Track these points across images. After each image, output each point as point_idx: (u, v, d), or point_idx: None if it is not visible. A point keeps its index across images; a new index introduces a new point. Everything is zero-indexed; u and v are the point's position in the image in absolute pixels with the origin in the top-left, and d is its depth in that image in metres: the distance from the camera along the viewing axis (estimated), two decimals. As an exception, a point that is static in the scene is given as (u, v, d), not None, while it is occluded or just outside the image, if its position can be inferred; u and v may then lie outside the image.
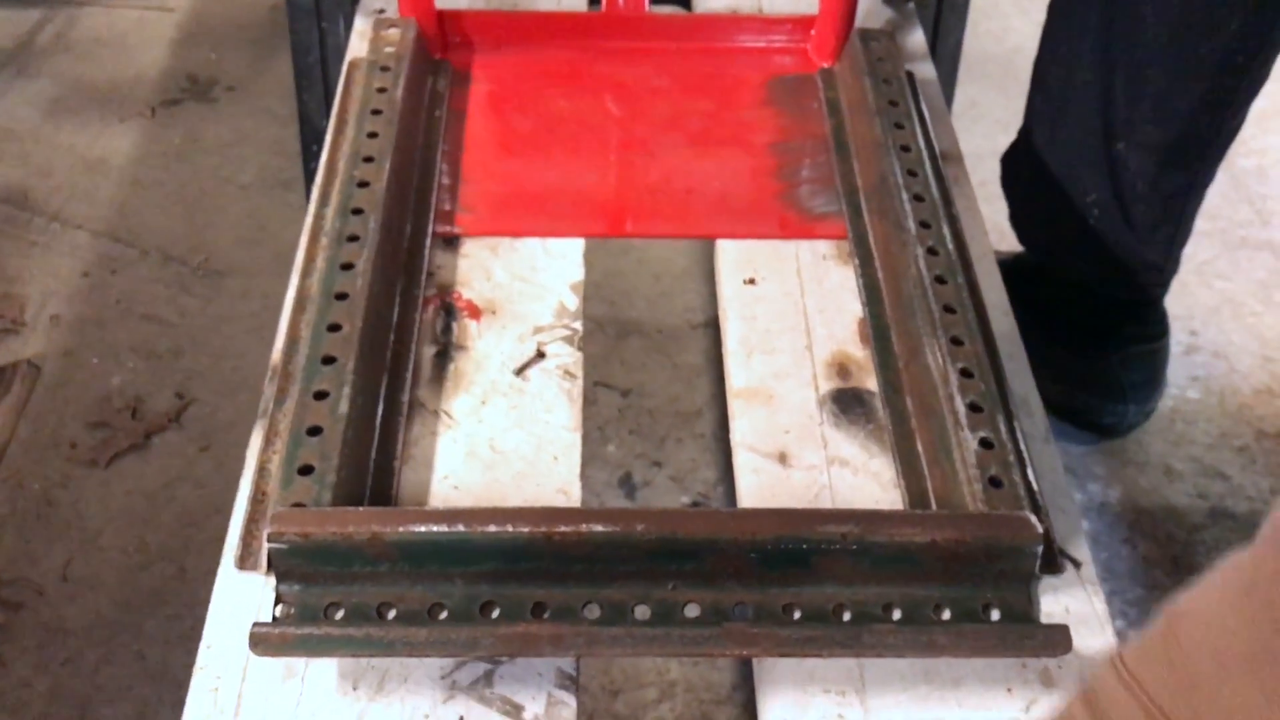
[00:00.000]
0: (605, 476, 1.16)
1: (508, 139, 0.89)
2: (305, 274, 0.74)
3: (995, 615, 0.57)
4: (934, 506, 0.63)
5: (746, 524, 0.57)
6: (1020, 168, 1.16)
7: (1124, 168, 1.04)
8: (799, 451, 0.68)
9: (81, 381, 1.22)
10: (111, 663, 1.00)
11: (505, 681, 0.57)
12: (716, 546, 0.56)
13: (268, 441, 0.65)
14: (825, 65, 0.95)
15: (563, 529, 0.56)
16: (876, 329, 0.74)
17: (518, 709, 0.56)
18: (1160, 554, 1.14)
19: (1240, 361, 1.31)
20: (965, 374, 0.66)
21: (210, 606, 0.59)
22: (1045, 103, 1.07)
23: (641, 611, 0.57)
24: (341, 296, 0.69)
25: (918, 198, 0.77)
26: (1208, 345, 1.33)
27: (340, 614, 0.56)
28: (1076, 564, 0.62)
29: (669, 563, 0.56)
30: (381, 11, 0.97)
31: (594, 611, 0.56)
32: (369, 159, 0.78)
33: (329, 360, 0.65)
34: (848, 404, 0.71)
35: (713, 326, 1.29)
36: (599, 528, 0.56)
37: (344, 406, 0.63)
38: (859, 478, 0.67)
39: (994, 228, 0.93)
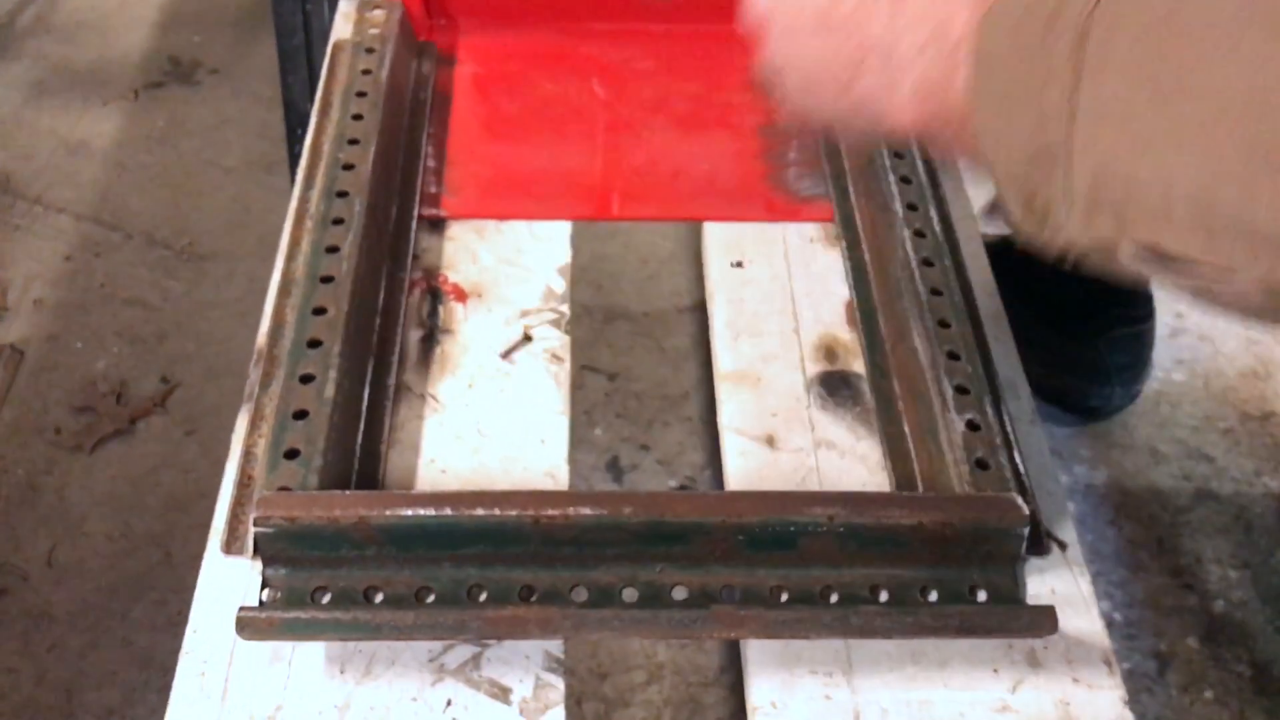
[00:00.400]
0: (593, 460, 1.16)
1: (493, 121, 0.89)
2: (290, 257, 0.73)
3: (982, 596, 0.58)
4: (921, 489, 0.63)
5: (734, 506, 0.57)
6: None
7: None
8: (786, 434, 0.68)
9: (65, 366, 1.22)
10: (97, 648, 1.00)
11: (493, 664, 0.57)
12: (704, 529, 0.56)
13: (253, 426, 0.64)
14: (812, 47, 0.95)
15: (550, 512, 0.56)
16: (864, 311, 0.74)
17: (505, 692, 0.56)
18: (1145, 535, 1.15)
19: (1225, 344, 1.32)
20: (952, 356, 0.66)
21: (196, 591, 0.59)
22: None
23: (629, 594, 0.57)
24: (327, 280, 0.68)
25: (905, 180, 0.77)
26: (1193, 328, 1.33)
27: (327, 598, 0.56)
28: (1062, 545, 0.62)
29: (656, 545, 0.56)
30: (366, -7, 0.96)
31: (581, 594, 0.56)
32: (354, 141, 0.77)
33: (314, 344, 0.65)
34: (835, 387, 0.71)
35: (700, 310, 1.29)
36: (586, 511, 0.56)
37: (330, 390, 0.62)
38: (846, 460, 0.67)
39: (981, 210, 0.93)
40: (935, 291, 0.70)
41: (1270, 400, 1.26)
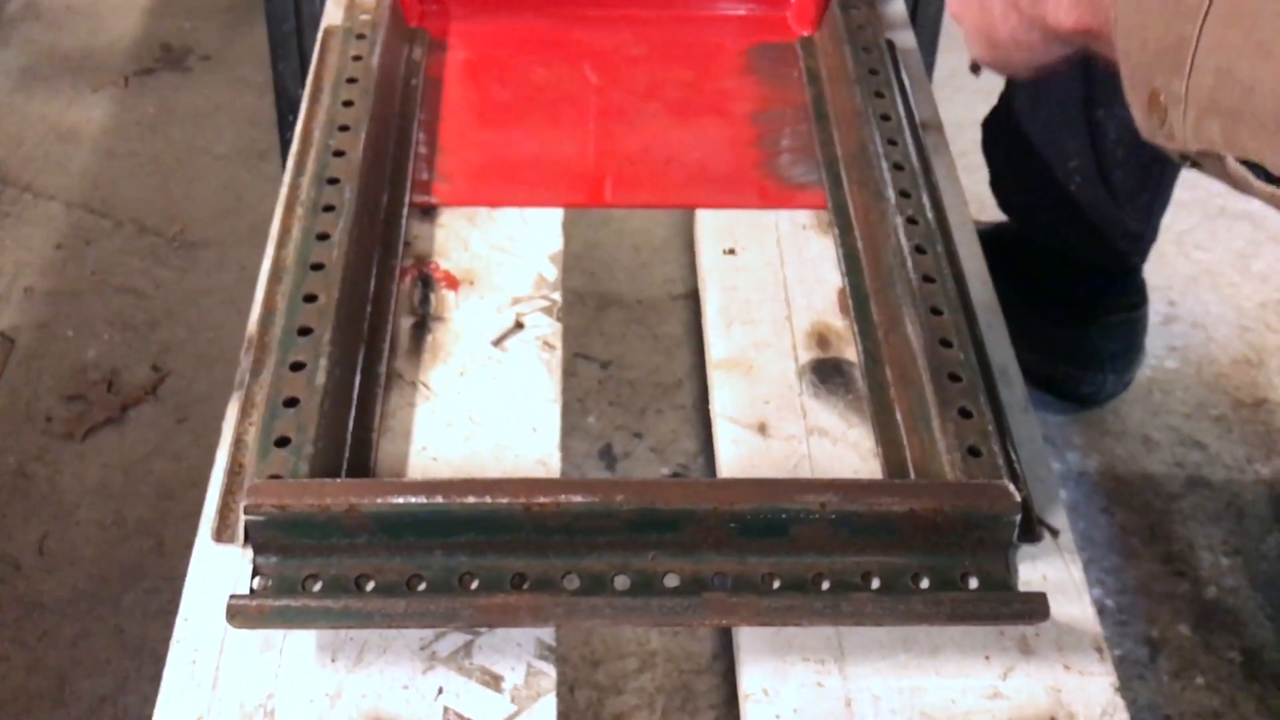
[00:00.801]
0: (585, 448, 1.16)
1: (485, 108, 0.88)
2: (281, 244, 0.73)
3: (974, 583, 0.58)
4: (913, 476, 0.63)
5: (726, 494, 0.57)
6: (1001, 133, 1.16)
7: (1104, 134, 1.04)
8: (778, 422, 0.68)
9: (56, 354, 1.21)
10: (89, 636, 1.00)
11: (485, 652, 0.57)
12: (696, 517, 0.56)
13: (244, 413, 0.64)
14: (805, 34, 0.94)
15: (542, 500, 0.55)
16: (856, 299, 0.74)
17: (497, 679, 0.56)
18: (1138, 523, 1.15)
19: (1218, 331, 1.32)
20: (944, 344, 0.66)
21: (187, 579, 0.58)
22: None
23: (621, 582, 0.57)
24: (318, 267, 0.68)
25: (897, 167, 0.77)
26: (1186, 315, 1.34)
27: (318, 586, 0.56)
28: (1054, 532, 0.62)
29: (648, 533, 0.56)
30: (357, -22, 0.96)
31: (573, 582, 0.56)
32: (345, 128, 0.77)
33: (305, 331, 0.65)
34: (827, 374, 0.70)
35: (692, 297, 1.29)
36: (578, 498, 0.56)
37: (321, 378, 0.62)
38: (838, 447, 0.67)
39: (974, 197, 0.93)
40: (928, 279, 0.70)
41: (1262, 387, 1.26)
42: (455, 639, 0.57)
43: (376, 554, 0.56)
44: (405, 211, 0.78)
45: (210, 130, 1.50)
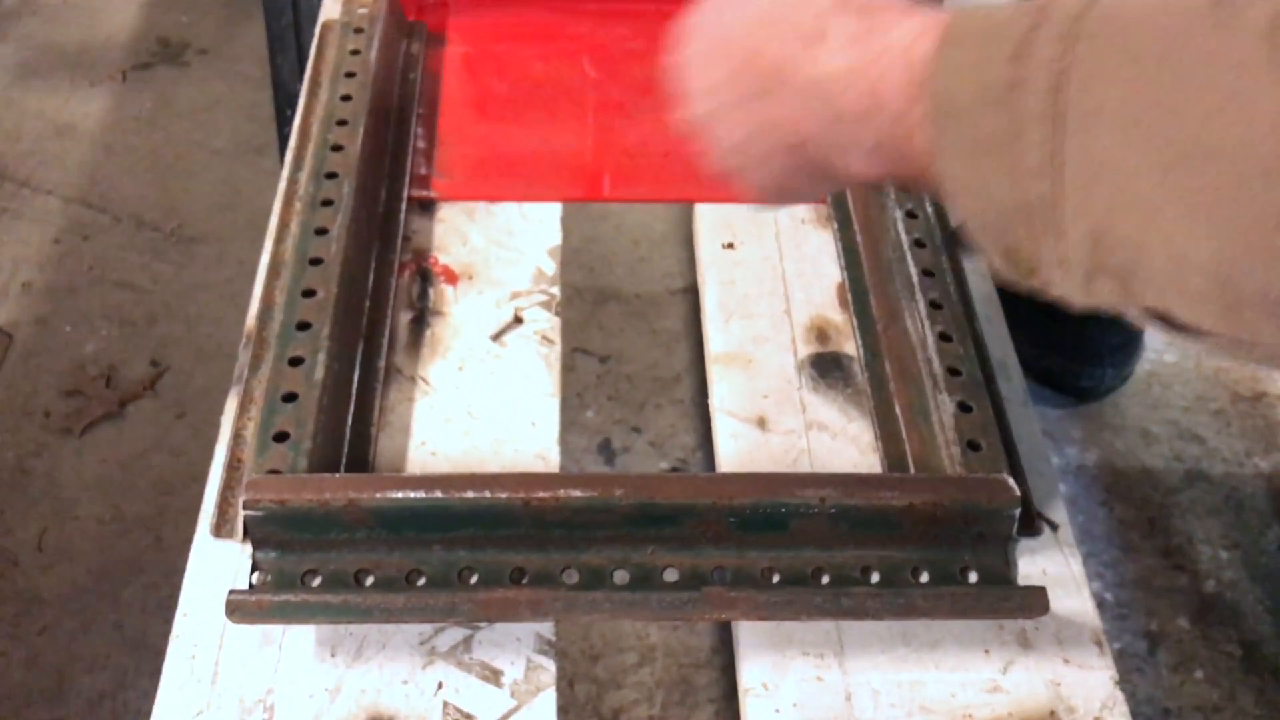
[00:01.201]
0: (584, 442, 1.16)
1: (483, 102, 0.88)
2: (279, 239, 0.73)
3: (973, 577, 0.58)
4: (912, 470, 0.63)
5: (725, 488, 0.57)
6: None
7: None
8: (778, 416, 0.68)
9: (55, 349, 1.21)
10: (88, 632, 1.00)
11: (484, 647, 0.57)
12: (695, 511, 0.56)
13: (243, 408, 0.64)
14: (804, 27, 0.94)
15: (541, 494, 0.55)
16: (855, 293, 0.74)
17: (497, 674, 0.56)
18: (1136, 516, 1.15)
19: (1216, 325, 1.32)
20: (944, 338, 0.66)
21: (186, 574, 0.58)
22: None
23: (620, 576, 0.56)
24: (316, 262, 0.68)
25: (897, 161, 0.77)
26: (1184, 309, 1.33)
27: (317, 581, 0.56)
28: (1054, 526, 0.62)
29: (647, 527, 0.56)
30: (355, -28, 0.96)
31: (573, 576, 0.56)
32: (343, 122, 0.77)
33: (304, 326, 0.64)
34: (826, 368, 0.70)
35: (691, 292, 1.28)
36: (577, 493, 0.56)
37: (319, 373, 0.62)
38: (837, 442, 0.67)
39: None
40: (927, 273, 0.69)
41: (1261, 381, 1.26)
42: (455, 634, 0.57)
43: (375, 549, 0.56)
44: (404, 206, 0.78)
45: (208, 125, 1.50)
